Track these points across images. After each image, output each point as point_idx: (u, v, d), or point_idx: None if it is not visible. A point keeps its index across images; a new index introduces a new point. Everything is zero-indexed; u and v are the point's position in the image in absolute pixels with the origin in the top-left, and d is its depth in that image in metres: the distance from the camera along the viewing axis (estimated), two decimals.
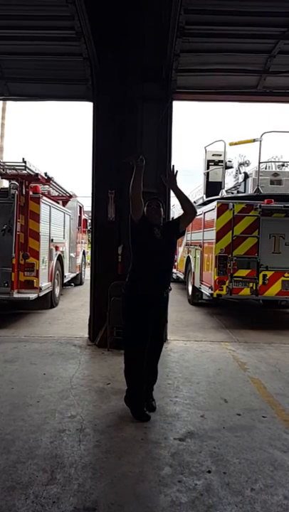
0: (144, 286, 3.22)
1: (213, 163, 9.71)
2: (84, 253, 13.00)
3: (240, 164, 23.09)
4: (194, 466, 2.59)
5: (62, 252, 8.95)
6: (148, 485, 2.40)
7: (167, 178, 3.21)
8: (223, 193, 8.57)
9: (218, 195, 8.54)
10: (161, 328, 3.54)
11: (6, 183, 7.66)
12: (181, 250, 10.83)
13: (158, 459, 2.67)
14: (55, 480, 2.41)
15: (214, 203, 7.15)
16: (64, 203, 10.19)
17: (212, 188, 9.34)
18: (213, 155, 9.72)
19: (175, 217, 3.70)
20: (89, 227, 12.88)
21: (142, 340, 3.20)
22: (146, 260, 3.25)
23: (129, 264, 3.39)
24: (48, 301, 7.88)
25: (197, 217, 8.97)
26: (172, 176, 3.17)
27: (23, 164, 6.90)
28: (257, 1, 4.71)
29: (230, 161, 10.01)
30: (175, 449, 2.80)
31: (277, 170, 9.48)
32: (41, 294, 7.13)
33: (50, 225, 7.81)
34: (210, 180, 9.70)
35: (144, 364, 3.27)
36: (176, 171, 3.16)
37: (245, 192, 8.64)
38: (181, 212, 3.46)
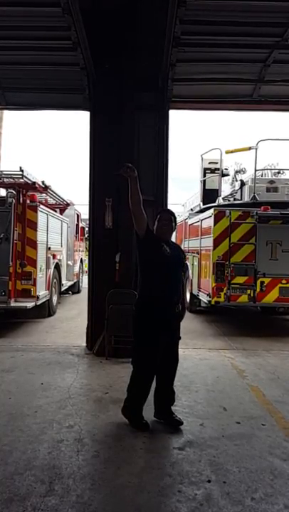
0: (155, 306, 3.14)
1: (209, 171, 9.77)
2: (81, 261, 12.99)
3: (237, 172, 23.17)
4: (194, 476, 2.57)
5: (59, 260, 8.94)
6: (147, 495, 2.37)
7: None
8: (220, 201, 8.60)
9: (214, 202, 8.58)
10: (176, 347, 3.39)
11: (3, 192, 7.65)
12: None
13: (157, 469, 2.65)
14: (54, 491, 2.38)
15: (211, 211, 7.18)
16: (61, 211, 10.21)
17: (209, 195, 9.39)
18: (209, 163, 9.78)
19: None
20: (86, 235, 12.92)
21: (153, 360, 3.17)
22: (156, 277, 3.17)
23: (135, 278, 3.34)
24: (45, 310, 7.84)
25: (194, 224, 9.08)
26: None
27: (20, 173, 6.91)
28: (252, 11, 4.78)
29: (226, 169, 10.06)
30: (174, 459, 2.78)
31: (274, 177, 9.54)
32: (39, 302, 7.10)
33: (47, 233, 7.80)
34: (207, 187, 9.75)
35: (151, 383, 3.26)
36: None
37: (241, 199, 8.69)
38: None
